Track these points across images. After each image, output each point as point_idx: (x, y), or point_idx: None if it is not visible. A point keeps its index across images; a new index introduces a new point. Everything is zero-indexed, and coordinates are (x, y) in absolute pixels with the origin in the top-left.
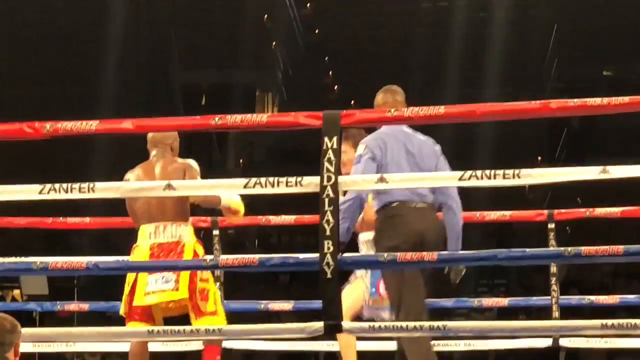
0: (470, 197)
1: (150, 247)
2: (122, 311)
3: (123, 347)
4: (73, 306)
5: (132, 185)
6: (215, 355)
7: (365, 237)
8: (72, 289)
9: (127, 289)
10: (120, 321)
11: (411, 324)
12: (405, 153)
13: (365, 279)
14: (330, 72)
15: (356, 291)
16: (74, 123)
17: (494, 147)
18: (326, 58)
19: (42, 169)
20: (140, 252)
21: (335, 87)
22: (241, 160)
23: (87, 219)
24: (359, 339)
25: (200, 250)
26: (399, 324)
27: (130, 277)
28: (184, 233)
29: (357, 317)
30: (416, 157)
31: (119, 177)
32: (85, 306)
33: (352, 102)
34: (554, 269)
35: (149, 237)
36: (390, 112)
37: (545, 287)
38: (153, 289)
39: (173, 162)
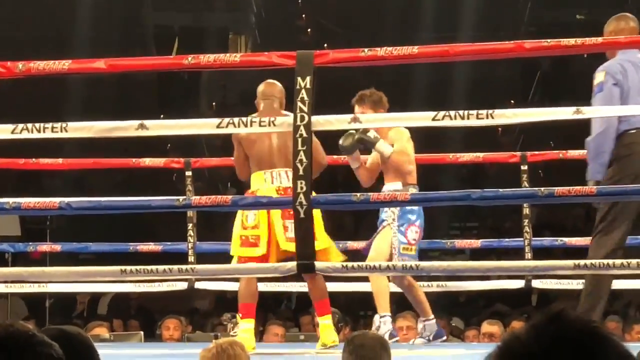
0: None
1: (276, 190)
2: (259, 252)
3: (94, 287)
4: (45, 247)
5: (105, 125)
6: (328, 306)
7: (392, 188)
8: (44, 231)
9: (261, 232)
10: (91, 262)
11: (384, 263)
12: None
13: (393, 226)
14: (304, 15)
15: (386, 239)
16: (46, 62)
17: (467, 90)
18: (299, 0)
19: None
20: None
21: (309, 29)
22: (214, 103)
23: (60, 160)
24: (332, 279)
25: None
26: (372, 263)
27: (261, 218)
28: None
29: None
30: None
31: (92, 118)
32: (57, 247)
33: (325, 45)
34: (526, 210)
35: (271, 181)
36: (364, 52)
37: (518, 231)
38: (292, 237)
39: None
